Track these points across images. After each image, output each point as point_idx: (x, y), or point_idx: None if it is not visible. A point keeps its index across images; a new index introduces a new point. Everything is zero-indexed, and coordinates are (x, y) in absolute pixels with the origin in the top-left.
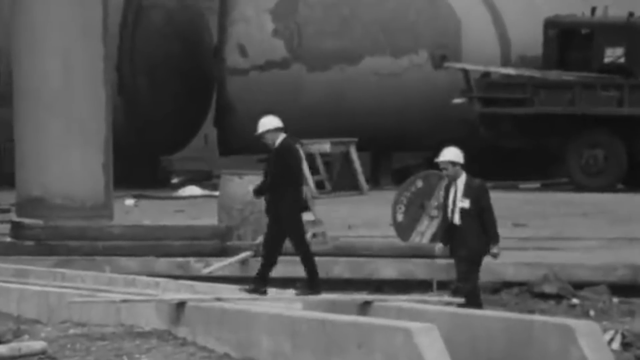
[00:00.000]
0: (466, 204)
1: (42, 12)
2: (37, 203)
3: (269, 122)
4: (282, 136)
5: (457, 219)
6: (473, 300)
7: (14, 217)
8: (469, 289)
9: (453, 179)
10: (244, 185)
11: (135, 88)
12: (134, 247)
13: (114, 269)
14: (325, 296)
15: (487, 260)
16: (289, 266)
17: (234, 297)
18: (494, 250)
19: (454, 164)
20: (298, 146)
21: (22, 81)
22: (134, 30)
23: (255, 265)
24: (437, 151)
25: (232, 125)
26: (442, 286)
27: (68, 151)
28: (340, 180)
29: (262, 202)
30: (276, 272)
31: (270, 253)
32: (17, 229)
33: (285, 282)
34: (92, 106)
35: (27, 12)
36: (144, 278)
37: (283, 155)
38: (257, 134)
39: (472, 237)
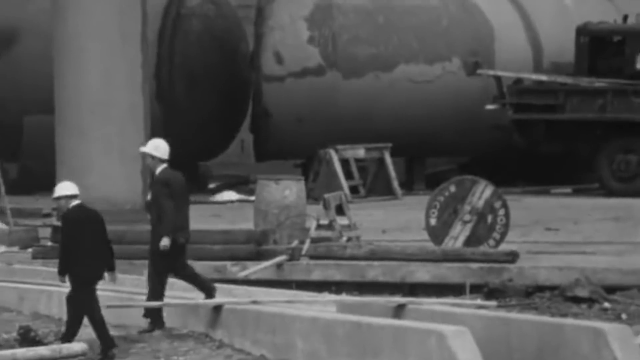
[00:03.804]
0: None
1: (82, 21)
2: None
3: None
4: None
5: None
6: None
7: (55, 221)
8: None
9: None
10: (279, 190)
11: (174, 95)
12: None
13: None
14: (360, 299)
15: (520, 264)
16: (325, 270)
17: (270, 300)
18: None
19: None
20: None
21: (64, 89)
22: (173, 38)
23: (290, 269)
24: (470, 157)
25: (268, 131)
26: (475, 289)
27: (107, 157)
28: (374, 185)
29: (298, 207)
30: (312, 275)
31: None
32: (57, 233)
33: (320, 286)
34: (130, 113)
35: (67, 21)
36: (182, 281)
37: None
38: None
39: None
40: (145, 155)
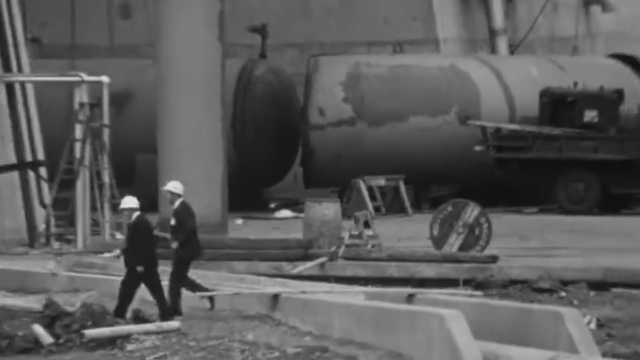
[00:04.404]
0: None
1: (177, 85)
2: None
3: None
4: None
5: None
6: None
7: (156, 232)
8: None
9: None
10: (322, 209)
11: (245, 140)
12: (243, 254)
13: (229, 270)
14: (381, 290)
15: (499, 264)
16: (355, 268)
17: (315, 290)
18: None
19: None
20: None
21: (164, 135)
22: (244, 97)
23: (329, 268)
24: (463, 185)
25: (314, 166)
26: (466, 283)
27: (196, 184)
28: (391, 205)
29: (335, 222)
30: (346, 272)
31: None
32: (159, 241)
33: (352, 280)
34: (213, 153)
35: (167, 86)
36: (250, 276)
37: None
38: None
39: None
40: (166, 192)
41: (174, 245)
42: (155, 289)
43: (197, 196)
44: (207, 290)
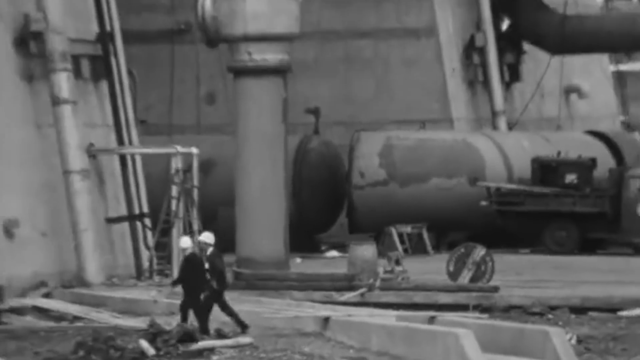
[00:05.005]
0: None
1: (248, 153)
2: (246, 259)
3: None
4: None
5: None
6: None
7: (234, 267)
8: None
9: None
10: (362, 250)
11: (302, 197)
12: (301, 285)
13: (291, 297)
14: (409, 313)
15: (500, 293)
16: (389, 296)
17: (357, 313)
18: None
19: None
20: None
21: (240, 193)
22: (301, 164)
23: (369, 296)
24: (473, 231)
25: (356, 217)
26: (475, 308)
27: (265, 231)
28: (416, 248)
29: (373, 260)
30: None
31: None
32: (237, 275)
33: (387, 306)
34: (278, 206)
35: (241, 154)
36: (307, 302)
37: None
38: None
39: None
40: (201, 242)
41: (212, 282)
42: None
43: (265, 240)
44: (240, 319)
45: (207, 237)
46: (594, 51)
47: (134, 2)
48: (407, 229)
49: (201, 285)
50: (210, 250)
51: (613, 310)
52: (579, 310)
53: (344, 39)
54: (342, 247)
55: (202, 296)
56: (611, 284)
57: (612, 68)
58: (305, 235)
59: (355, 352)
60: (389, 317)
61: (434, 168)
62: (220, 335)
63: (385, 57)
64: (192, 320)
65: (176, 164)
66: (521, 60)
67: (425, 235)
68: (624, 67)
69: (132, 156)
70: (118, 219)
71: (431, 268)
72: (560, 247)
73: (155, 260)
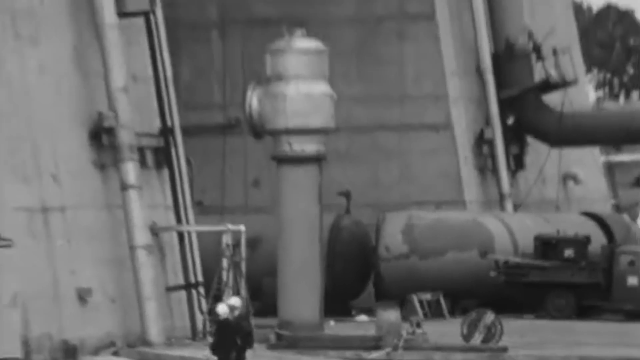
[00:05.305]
0: None
1: (290, 233)
2: (287, 322)
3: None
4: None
5: None
6: None
7: (276, 329)
8: None
9: None
10: (387, 314)
11: (335, 268)
12: (335, 345)
13: (325, 356)
14: None
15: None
16: (411, 355)
17: None
18: None
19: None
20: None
21: (282, 265)
22: (335, 239)
23: (394, 355)
24: (483, 299)
25: (382, 287)
26: None
27: (301, 298)
28: (434, 312)
29: (396, 323)
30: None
31: None
32: (278, 336)
33: None
34: (313, 277)
35: (283, 232)
36: None
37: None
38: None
39: None
40: (232, 306)
41: (238, 340)
42: None
43: (303, 306)
44: None
45: (235, 301)
46: (587, 144)
47: (191, 101)
48: (427, 296)
49: (231, 347)
50: (237, 313)
51: None
52: None
53: (371, 132)
54: (370, 311)
55: (232, 355)
56: (605, 345)
57: (602, 159)
58: (338, 301)
59: None
60: None
61: (449, 243)
62: None
63: (407, 147)
64: None
65: (226, 240)
66: (525, 151)
67: (442, 301)
68: (613, 158)
69: (189, 233)
70: (176, 288)
71: (447, 330)
72: (559, 313)
73: (208, 324)
